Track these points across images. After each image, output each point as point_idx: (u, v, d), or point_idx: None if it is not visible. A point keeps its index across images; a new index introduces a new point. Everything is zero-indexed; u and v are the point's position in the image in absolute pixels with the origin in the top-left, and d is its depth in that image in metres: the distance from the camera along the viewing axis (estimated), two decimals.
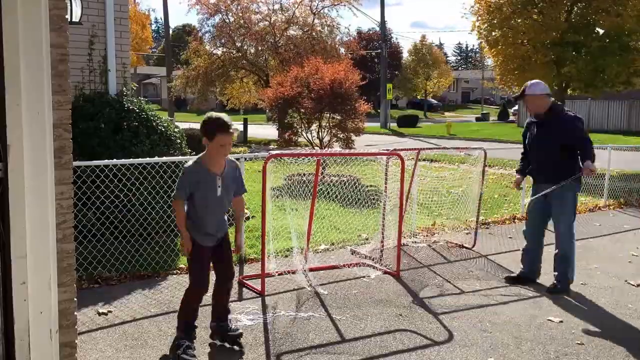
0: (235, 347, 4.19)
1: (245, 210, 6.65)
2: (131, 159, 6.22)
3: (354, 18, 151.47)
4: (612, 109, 33.34)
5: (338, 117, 13.56)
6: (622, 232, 8.52)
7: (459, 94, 78.17)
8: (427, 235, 7.88)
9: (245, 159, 6.88)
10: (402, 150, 7.68)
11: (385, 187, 7.05)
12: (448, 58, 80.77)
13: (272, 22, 27.04)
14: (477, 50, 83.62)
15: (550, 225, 5.80)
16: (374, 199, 8.37)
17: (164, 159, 6.69)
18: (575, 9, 16.35)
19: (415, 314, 4.93)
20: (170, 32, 37.17)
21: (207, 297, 5.22)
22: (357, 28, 77.09)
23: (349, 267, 6.27)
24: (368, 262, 6.48)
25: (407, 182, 7.48)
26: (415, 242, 7.49)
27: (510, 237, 7.94)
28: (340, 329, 4.58)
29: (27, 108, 2.39)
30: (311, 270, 5.98)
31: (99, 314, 4.80)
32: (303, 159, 7.21)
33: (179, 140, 7.68)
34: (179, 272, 5.98)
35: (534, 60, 16.23)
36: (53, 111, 2.48)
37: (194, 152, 9.32)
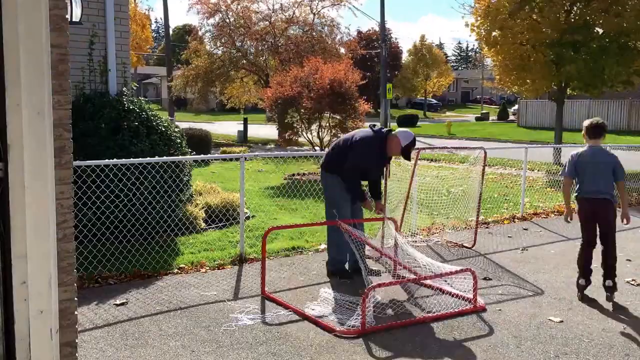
0: None
1: (245, 210, 6.66)
2: (131, 159, 6.22)
3: (353, 18, 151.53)
4: (612, 109, 33.35)
5: (338, 117, 13.57)
6: (622, 231, 8.49)
7: (459, 94, 78.18)
8: (427, 235, 7.89)
9: (245, 158, 6.89)
10: None
11: (385, 185, 7.05)
12: (448, 58, 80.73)
13: (272, 22, 27.06)
14: (477, 49, 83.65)
15: None
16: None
17: (164, 158, 6.70)
18: (575, 8, 16.34)
19: (412, 312, 4.94)
20: (170, 32, 37.16)
21: (209, 297, 5.23)
22: (357, 28, 77.02)
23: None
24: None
25: (407, 182, 7.49)
26: (415, 241, 7.50)
27: (509, 237, 7.94)
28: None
29: (27, 108, 2.39)
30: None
31: (100, 313, 4.80)
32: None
33: (179, 140, 7.69)
34: (179, 271, 5.99)
35: (533, 60, 16.22)
36: (53, 111, 2.48)
37: (194, 152, 9.35)
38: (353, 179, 5.78)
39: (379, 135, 5.77)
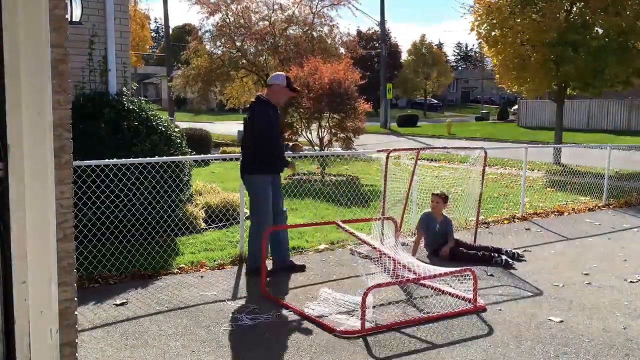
0: None
1: (245, 210, 6.67)
2: (131, 159, 6.22)
3: (353, 18, 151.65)
4: (612, 108, 33.34)
5: (337, 117, 13.58)
6: (622, 230, 8.53)
7: (459, 94, 78.17)
8: None
9: None
10: (401, 149, 7.70)
11: (385, 185, 7.06)
12: (448, 57, 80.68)
13: (271, 21, 27.04)
14: (477, 50, 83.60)
15: None
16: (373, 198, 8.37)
17: (164, 158, 6.70)
18: (575, 8, 16.35)
19: (412, 312, 4.94)
20: (170, 32, 37.15)
21: (209, 297, 5.23)
22: (357, 28, 77.05)
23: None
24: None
25: (406, 182, 7.50)
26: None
27: (509, 237, 7.95)
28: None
29: (27, 108, 2.39)
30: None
31: (99, 313, 4.80)
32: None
33: (179, 140, 7.69)
34: (178, 271, 5.99)
35: (533, 59, 16.24)
36: (53, 111, 2.48)
37: (194, 152, 9.34)
38: (267, 145, 5.77)
39: (261, 98, 5.96)
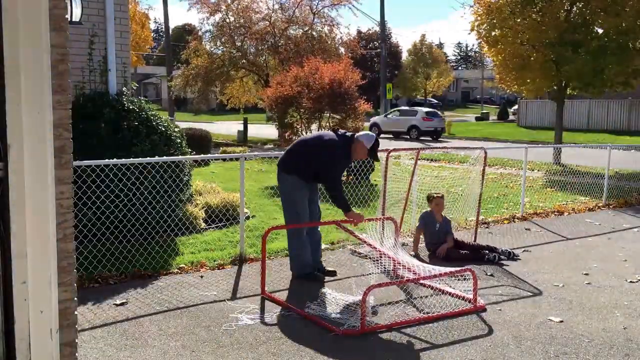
0: None
1: (245, 210, 6.66)
2: (131, 159, 6.22)
3: (353, 18, 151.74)
4: (612, 109, 33.34)
5: (338, 117, 13.58)
6: (621, 230, 8.52)
7: (459, 94, 78.14)
8: None
9: (245, 158, 6.89)
10: (401, 149, 7.69)
11: (385, 185, 7.05)
12: (448, 58, 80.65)
13: (272, 21, 27.05)
14: (477, 50, 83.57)
15: None
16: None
17: (164, 158, 6.70)
18: (575, 8, 16.35)
19: (412, 312, 4.93)
20: (170, 32, 37.15)
21: (209, 297, 5.24)
22: (357, 28, 77.09)
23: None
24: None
25: (406, 182, 7.49)
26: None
27: (509, 237, 7.95)
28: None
29: (27, 108, 2.39)
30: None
31: (99, 313, 4.80)
32: None
33: (179, 140, 7.69)
34: (178, 271, 5.99)
35: (533, 59, 16.23)
36: (53, 111, 2.48)
37: (194, 152, 9.35)
38: (338, 187, 5.65)
39: (346, 140, 5.67)
